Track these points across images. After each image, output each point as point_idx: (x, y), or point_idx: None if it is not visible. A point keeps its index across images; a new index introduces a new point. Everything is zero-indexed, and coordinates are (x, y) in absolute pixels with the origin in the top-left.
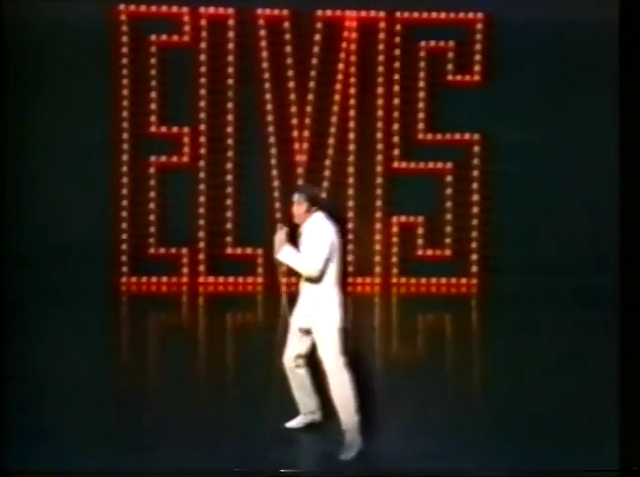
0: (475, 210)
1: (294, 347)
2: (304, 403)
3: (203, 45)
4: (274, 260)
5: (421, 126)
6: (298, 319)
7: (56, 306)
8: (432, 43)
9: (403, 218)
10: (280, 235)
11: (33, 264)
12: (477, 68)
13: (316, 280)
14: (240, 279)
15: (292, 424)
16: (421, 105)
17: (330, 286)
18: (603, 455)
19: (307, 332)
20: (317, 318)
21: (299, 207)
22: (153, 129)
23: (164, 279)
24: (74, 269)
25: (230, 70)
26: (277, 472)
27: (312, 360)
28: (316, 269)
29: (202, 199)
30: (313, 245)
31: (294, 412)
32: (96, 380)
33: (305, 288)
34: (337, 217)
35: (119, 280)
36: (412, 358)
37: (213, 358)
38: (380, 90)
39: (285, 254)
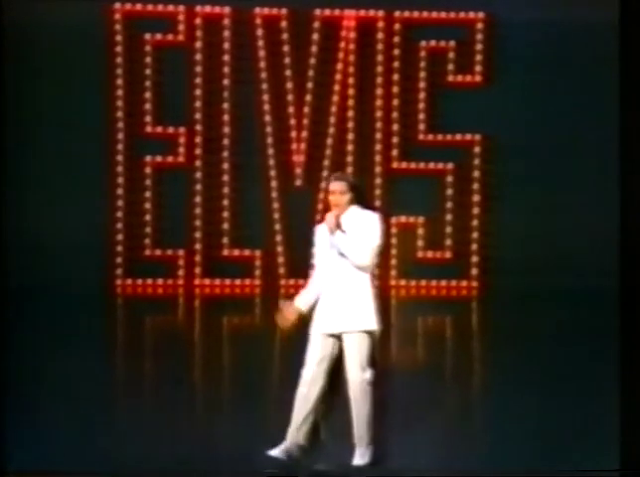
0: (476, 211)
1: (318, 354)
2: (299, 428)
3: (199, 44)
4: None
5: (422, 127)
6: (323, 321)
7: (49, 308)
8: (432, 43)
9: (403, 219)
10: (331, 217)
11: (26, 266)
12: (478, 68)
13: (363, 269)
14: (238, 281)
15: (275, 453)
16: (421, 106)
17: (368, 281)
18: (603, 455)
19: (334, 337)
20: (349, 316)
21: (341, 197)
22: (148, 129)
23: (160, 281)
24: (68, 271)
25: (226, 70)
26: (277, 472)
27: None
28: (370, 257)
29: (198, 199)
30: (367, 233)
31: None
32: (92, 384)
33: (335, 285)
34: (373, 209)
35: (114, 282)
36: (412, 362)
37: (209, 362)
38: (379, 91)
39: (339, 237)
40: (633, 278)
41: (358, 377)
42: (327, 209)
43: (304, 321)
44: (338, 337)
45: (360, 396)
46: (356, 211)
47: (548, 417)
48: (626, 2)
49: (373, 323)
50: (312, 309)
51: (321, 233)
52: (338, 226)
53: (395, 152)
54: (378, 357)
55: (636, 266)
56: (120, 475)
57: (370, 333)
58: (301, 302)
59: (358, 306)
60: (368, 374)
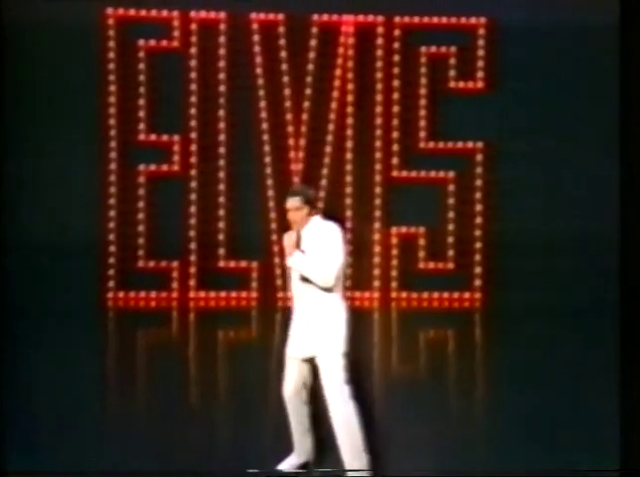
0: (478, 220)
1: (294, 377)
2: (300, 441)
3: (194, 50)
4: (285, 266)
5: (422, 134)
6: (296, 344)
7: (40, 322)
8: (433, 48)
9: (404, 229)
10: (289, 238)
11: (17, 279)
12: (479, 74)
13: (328, 290)
14: (234, 294)
15: (284, 466)
16: (422, 113)
17: (337, 299)
18: (603, 455)
19: (308, 359)
20: (320, 340)
21: (298, 212)
22: (142, 137)
23: (153, 294)
24: (58, 283)
25: (222, 76)
26: (277, 472)
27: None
28: (332, 276)
29: (193, 209)
30: (326, 250)
31: (287, 434)
32: (85, 398)
33: (303, 306)
34: (336, 218)
35: (106, 295)
36: (414, 376)
37: (204, 376)
38: (379, 97)
39: (297, 259)
40: (634, 286)
41: (336, 396)
42: (288, 227)
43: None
44: (311, 359)
45: (342, 412)
46: (318, 223)
47: (548, 417)
48: (627, 8)
49: (341, 345)
50: None
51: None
52: (296, 246)
53: (395, 160)
54: (355, 371)
55: (637, 274)
56: (121, 475)
57: (341, 352)
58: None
59: (327, 328)
60: (345, 390)
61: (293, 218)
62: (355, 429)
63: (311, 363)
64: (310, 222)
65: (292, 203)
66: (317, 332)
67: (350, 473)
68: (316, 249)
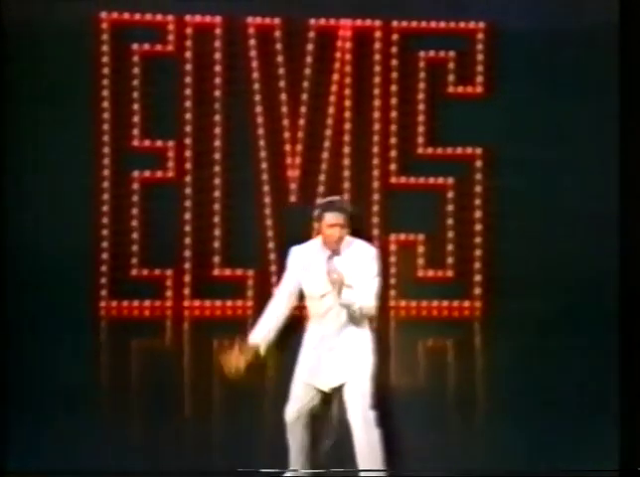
0: (478, 228)
1: (303, 403)
2: (298, 461)
3: (189, 55)
4: (339, 303)
5: (421, 140)
6: (317, 372)
7: (29, 331)
8: (432, 53)
9: (402, 236)
10: (334, 270)
11: (7, 288)
12: (479, 79)
13: (368, 315)
14: (229, 303)
15: None
16: (421, 118)
17: (366, 325)
18: (603, 455)
19: (332, 388)
20: (350, 367)
21: (342, 231)
22: (136, 143)
23: (147, 303)
24: (49, 292)
25: (217, 81)
26: (277, 472)
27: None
28: (375, 303)
29: (188, 216)
30: (369, 278)
31: (284, 446)
32: (78, 410)
33: (328, 330)
34: (368, 238)
35: (98, 304)
36: (412, 386)
37: (199, 387)
38: (377, 103)
39: (348, 296)
40: (635, 294)
41: (362, 423)
42: (328, 245)
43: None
44: (336, 388)
45: (367, 440)
46: (354, 243)
47: (548, 418)
48: (627, 13)
49: (370, 370)
50: (271, 346)
51: (304, 257)
52: (342, 283)
53: (393, 166)
54: (377, 395)
55: (637, 281)
56: (121, 475)
57: (370, 378)
58: (258, 337)
59: (358, 355)
60: (371, 416)
61: (333, 235)
62: (378, 457)
63: (328, 391)
64: (346, 242)
65: (338, 219)
66: (347, 359)
67: (360, 474)
68: (359, 276)
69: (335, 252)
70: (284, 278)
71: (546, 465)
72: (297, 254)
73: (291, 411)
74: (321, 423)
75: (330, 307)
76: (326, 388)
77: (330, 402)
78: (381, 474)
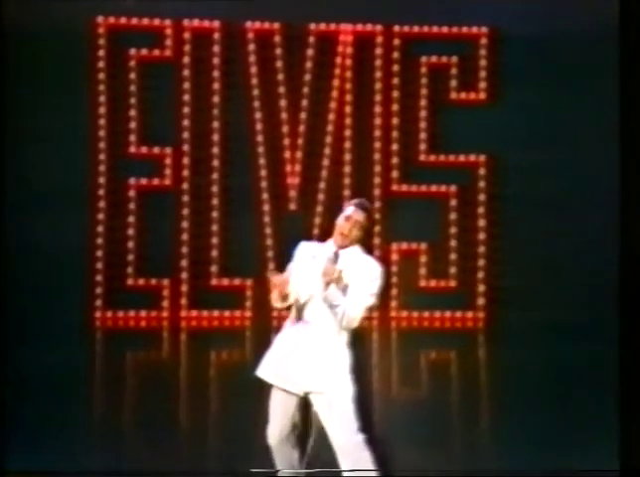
0: (481, 236)
1: (281, 418)
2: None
3: (187, 60)
4: (323, 298)
5: (423, 147)
6: (287, 371)
7: (23, 342)
8: (434, 58)
9: (404, 245)
10: (332, 267)
11: (1, 297)
12: (482, 85)
13: (347, 329)
14: (227, 313)
15: None
16: (423, 124)
17: (343, 339)
18: (603, 455)
19: (304, 394)
20: (328, 375)
21: (357, 231)
22: (132, 149)
23: (143, 313)
24: (43, 302)
25: (216, 86)
26: (277, 472)
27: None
28: (360, 319)
29: (185, 225)
30: (366, 292)
31: None
32: (73, 419)
33: (309, 328)
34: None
35: (93, 314)
36: (415, 398)
37: (196, 399)
38: (378, 109)
39: (335, 295)
40: (636, 302)
41: (347, 447)
42: (326, 232)
43: None
44: (307, 395)
45: (357, 465)
46: (357, 252)
47: (548, 417)
48: (627, 17)
49: (351, 388)
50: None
51: (309, 252)
52: (338, 280)
53: (394, 174)
54: (370, 415)
55: (639, 292)
56: (121, 475)
57: (352, 396)
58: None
59: (336, 364)
60: (359, 440)
61: (344, 227)
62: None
63: (304, 400)
64: (352, 247)
65: (359, 216)
66: (324, 364)
67: (356, 473)
68: (356, 288)
69: (341, 248)
70: (286, 270)
71: (546, 466)
72: (304, 248)
73: (273, 433)
74: (305, 433)
75: (314, 312)
76: (300, 391)
77: (309, 409)
78: (379, 474)
